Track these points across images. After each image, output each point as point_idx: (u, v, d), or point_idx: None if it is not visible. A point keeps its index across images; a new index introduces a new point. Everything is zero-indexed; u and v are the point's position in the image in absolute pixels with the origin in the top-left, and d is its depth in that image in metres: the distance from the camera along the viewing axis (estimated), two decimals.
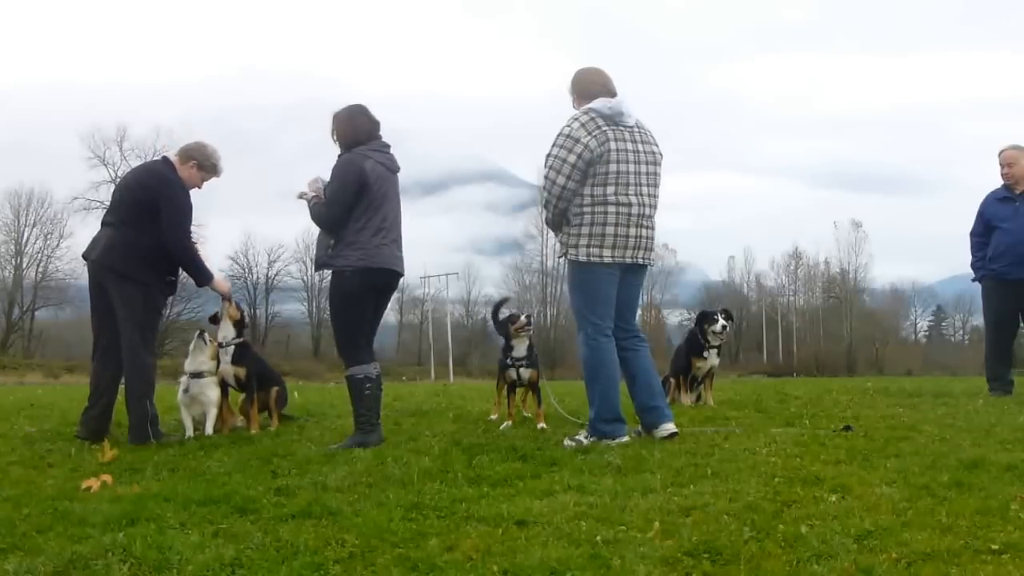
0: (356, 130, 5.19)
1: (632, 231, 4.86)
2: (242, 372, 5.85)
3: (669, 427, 4.90)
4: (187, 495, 3.50)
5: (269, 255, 56.47)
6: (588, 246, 4.83)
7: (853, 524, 2.86)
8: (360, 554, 2.70)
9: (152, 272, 5.38)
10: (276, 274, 57.03)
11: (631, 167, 4.84)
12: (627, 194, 4.82)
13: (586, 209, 4.82)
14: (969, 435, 4.73)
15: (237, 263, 55.69)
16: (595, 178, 4.79)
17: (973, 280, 7.77)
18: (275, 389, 6.11)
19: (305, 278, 56.34)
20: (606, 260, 4.84)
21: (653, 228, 5.03)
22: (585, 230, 4.82)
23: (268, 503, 3.37)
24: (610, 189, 4.79)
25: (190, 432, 5.56)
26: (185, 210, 5.46)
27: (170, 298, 5.90)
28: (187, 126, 79.36)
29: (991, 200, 7.59)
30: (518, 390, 6.16)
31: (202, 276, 5.58)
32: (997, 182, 7.61)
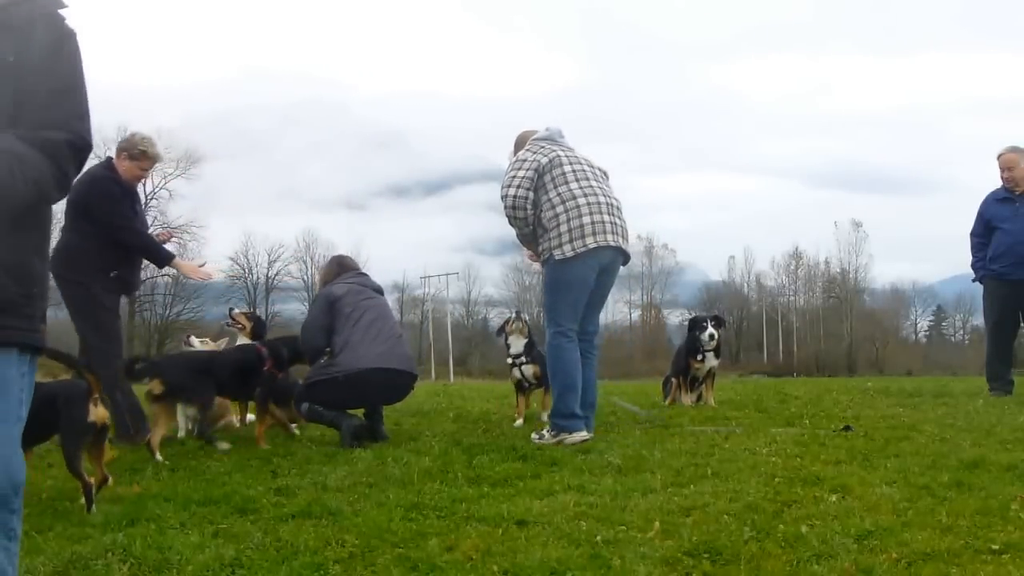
0: (332, 272, 5.74)
1: (606, 217, 5.03)
2: None
3: (581, 435, 4.89)
4: (187, 495, 3.51)
5: (269, 255, 56.39)
6: (571, 241, 4.96)
7: (853, 524, 2.86)
8: (360, 554, 2.70)
9: (91, 271, 5.31)
10: (276, 274, 56.94)
11: (584, 167, 5.15)
12: (590, 185, 5.07)
13: (559, 209, 4.99)
14: (969, 435, 4.73)
15: (237, 263, 55.63)
16: (555, 180, 5.04)
17: (973, 280, 7.76)
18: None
19: (305, 278, 56.32)
20: (590, 245, 4.95)
21: (625, 222, 5.19)
22: (564, 227, 4.97)
23: (268, 503, 3.37)
24: (574, 185, 5.03)
25: (183, 432, 5.59)
26: (112, 200, 5.37)
27: (128, 297, 5.84)
28: (188, 127, 79.33)
29: (991, 201, 7.58)
30: (537, 391, 6.26)
31: (160, 258, 5.55)
32: (996, 182, 7.60)
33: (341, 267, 5.80)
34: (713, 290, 65.16)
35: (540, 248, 5.15)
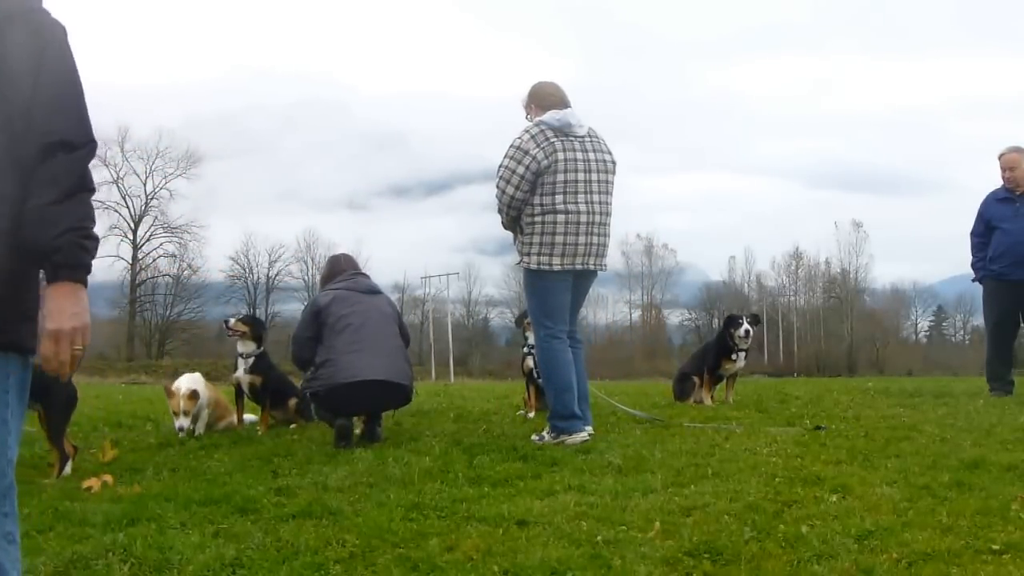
0: (325, 276, 5.80)
1: (582, 239, 4.96)
2: (257, 380, 5.89)
3: (582, 435, 4.89)
4: (188, 495, 3.51)
5: (270, 255, 56.28)
6: (539, 254, 4.95)
7: (854, 524, 2.86)
8: (361, 554, 2.71)
9: None
10: (277, 274, 56.83)
11: (580, 176, 4.97)
12: (576, 202, 4.94)
13: (536, 218, 4.95)
14: (970, 435, 4.73)
15: (238, 263, 55.61)
16: (543, 187, 4.93)
17: (973, 280, 7.75)
18: (292, 400, 6.07)
19: (306, 278, 56.27)
20: (555, 268, 4.95)
21: (606, 235, 5.12)
22: (536, 239, 4.95)
23: (269, 503, 3.37)
24: (559, 198, 4.92)
25: (182, 432, 5.61)
26: None
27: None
28: (188, 126, 79.28)
29: (991, 201, 7.58)
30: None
31: None
32: (995, 182, 7.60)
33: (333, 270, 5.72)
34: (713, 290, 65.06)
35: (515, 245, 5.16)
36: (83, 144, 1.78)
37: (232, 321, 5.96)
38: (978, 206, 7.69)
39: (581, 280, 5.18)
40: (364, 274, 5.72)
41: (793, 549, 2.65)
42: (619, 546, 2.71)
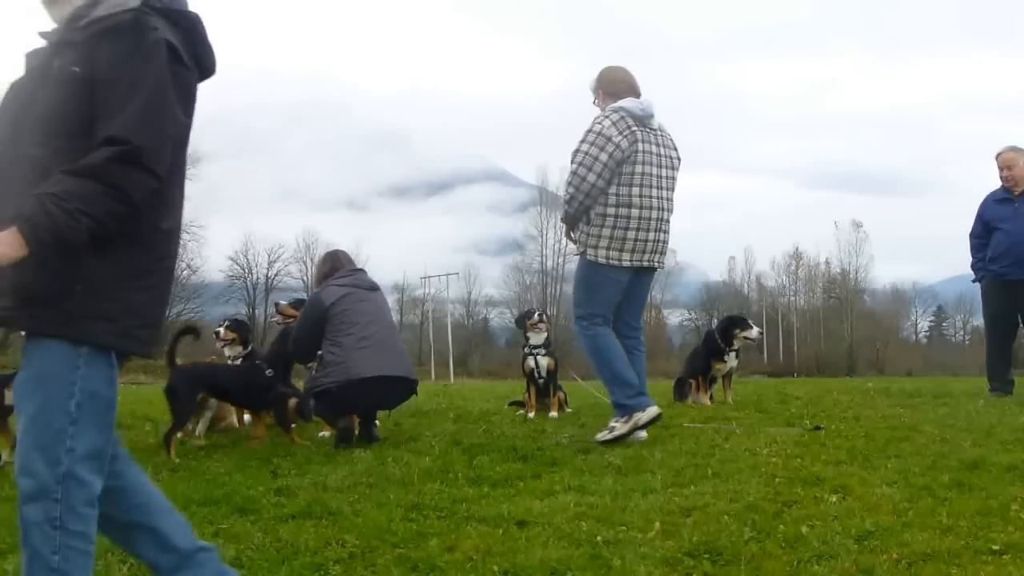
0: (324, 271, 5.69)
1: (651, 235, 4.92)
2: None
3: (653, 409, 4.79)
4: (187, 495, 3.50)
5: (269, 255, 56.38)
6: (608, 248, 4.86)
7: (854, 524, 2.86)
8: (360, 554, 2.70)
9: None
10: (276, 274, 56.94)
11: (654, 170, 4.90)
12: (650, 196, 4.88)
13: (610, 210, 4.83)
14: (970, 435, 4.72)
15: (237, 263, 55.66)
16: (620, 177, 4.82)
17: (973, 281, 7.76)
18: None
19: (305, 278, 56.25)
20: (624, 264, 4.88)
21: (669, 232, 5.08)
22: (607, 232, 4.84)
23: (268, 503, 3.37)
24: (635, 190, 4.83)
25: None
26: None
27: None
28: None
29: (990, 201, 7.58)
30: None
31: None
32: (993, 182, 7.60)
33: (333, 266, 5.67)
34: (713, 290, 65.06)
35: (578, 233, 4.99)
36: (120, 142, 1.81)
37: (222, 331, 6.03)
38: (977, 207, 7.70)
39: (643, 276, 5.12)
40: (362, 270, 5.73)
41: (793, 549, 2.65)
42: (619, 546, 2.71)
